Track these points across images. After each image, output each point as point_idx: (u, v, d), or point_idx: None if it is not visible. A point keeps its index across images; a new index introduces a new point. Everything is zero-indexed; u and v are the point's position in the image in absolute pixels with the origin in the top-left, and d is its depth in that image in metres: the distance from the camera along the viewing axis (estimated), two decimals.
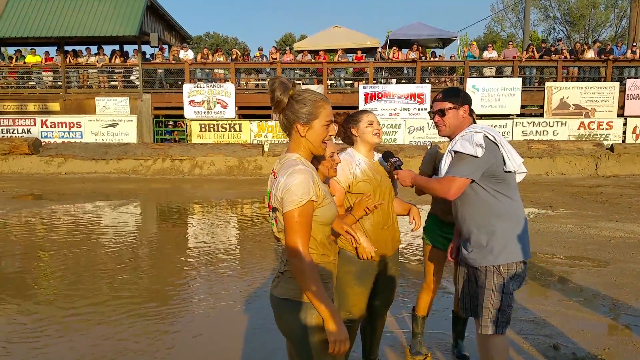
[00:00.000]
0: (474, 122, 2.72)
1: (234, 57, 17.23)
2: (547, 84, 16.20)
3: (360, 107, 15.72)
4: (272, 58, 16.90)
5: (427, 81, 16.72)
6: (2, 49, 19.73)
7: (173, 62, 17.25)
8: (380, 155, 2.99)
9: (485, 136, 2.48)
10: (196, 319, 4.19)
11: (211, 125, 16.31)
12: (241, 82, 17.22)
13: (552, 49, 17.48)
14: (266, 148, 15.02)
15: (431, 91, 16.00)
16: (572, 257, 5.85)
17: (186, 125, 16.55)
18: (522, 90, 16.07)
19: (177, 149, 14.77)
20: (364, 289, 2.81)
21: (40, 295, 4.84)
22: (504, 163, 2.50)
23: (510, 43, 18.51)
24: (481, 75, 16.95)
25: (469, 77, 16.31)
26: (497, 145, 2.49)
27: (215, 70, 17.49)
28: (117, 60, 17.52)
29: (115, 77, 17.45)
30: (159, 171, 14.10)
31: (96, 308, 4.46)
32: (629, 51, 16.63)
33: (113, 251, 6.48)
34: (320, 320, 1.87)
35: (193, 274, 5.49)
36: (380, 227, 2.81)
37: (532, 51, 16.99)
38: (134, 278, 5.32)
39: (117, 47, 19.33)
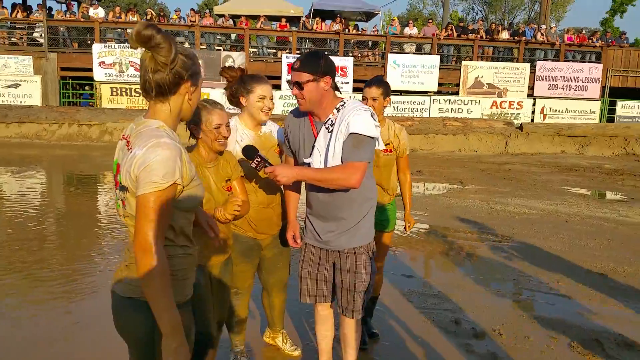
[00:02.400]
0: (338, 92, 2.43)
1: (149, 17, 16.26)
2: (463, 62, 16.79)
3: (284, 78, 15.50)
4: (191, 21, 16.14)
5: (350, 54, 16.75)
6: None
7: (82, 19, 15.99)
8: (274, 124, 2.85)
9: (372, 114, 2.32)
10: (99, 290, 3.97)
11: (123, 90, 15.37)
12: None
13: (470, 27, 18.09)
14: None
15: (354, 64, 16.05)
16: (478, 232, 6.17)
17: (95, 88, 15.50)
18: (440, 68, 16.55)
19: (85, 114, 13.84)
20: (249, 265, 2.81)
21: None
22: (378, 142, 2.40)
23: (430, 21, 18.93)
24: (402, 51, 17.24)
25: (390, 52, 16.53)
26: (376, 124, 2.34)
27: (129, 31, 16.41)
28: (19, 15, 15.95)
29: (16, 34, 15.90)
30: (65, 136, 13.17)
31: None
32: (539, 33, 17.57)
33: (15, 219, 5.97)
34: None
35: (99, 244, 5.19)
36: (265, 206, 2.74)
37: (451, 30, 17.49)
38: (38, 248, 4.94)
39: (19, 1, 17.58)
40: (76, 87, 16.63)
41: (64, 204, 7.41)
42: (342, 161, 2.28)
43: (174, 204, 1.55)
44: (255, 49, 16.85)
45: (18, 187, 8.11)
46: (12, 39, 15.91)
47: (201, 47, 15.92)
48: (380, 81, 3.14)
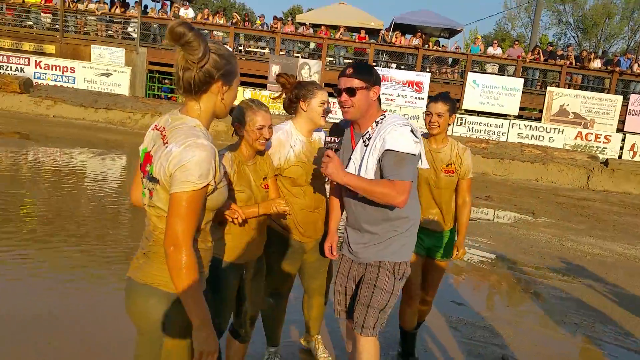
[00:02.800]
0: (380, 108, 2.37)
1: (234, 21, 16.86)
2: (549, 88, 16.04)
3: None
4: (273, 27, 16.56)
5: (428, 70, 16.51)
6: None
7: (172, 18, 16.84)
8: (323, 132, 2.82)
9: (413, 130, 2.23)
10: None
11: None
12: (239, 48, 16.90)
13: (559, 53, 17.28)
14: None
15: (430, 81, 15.79)
16: (543, 268, 5.81)
17: None
18: (523, 92, 15.91)
19: (166, 106, 14.52)
20: (291, 267, 2.81)
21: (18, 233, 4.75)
22: (420, 159, 2.33)
23: (516, 42, 18.26)
24: (483, 71, 16.75)
25: (471, 71, 16.12)
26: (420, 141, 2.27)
27: (214, 33, 17.12)
28: (117, 11, 17.09)
29: (113, 27, 17.05)
30: (146, 126, 13.84)
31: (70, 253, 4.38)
32: (636, 64, 16.45)
33: (93, 199, 6.37)
34: (185, 317, 1.57)
35: None
36: (311, 210, 2.74)
37: (538, 53, 16.78)
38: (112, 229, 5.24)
39: None
40: (162, 81, 17.53)
41: None
42: (381, 178, 2.22)
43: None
44: (332, 58, 17.02)
45: (99, 168, 8.63)
46: (109, 32, 17.05)
47: (280, 52, 16.30)
48: (447, 97, 3.05)
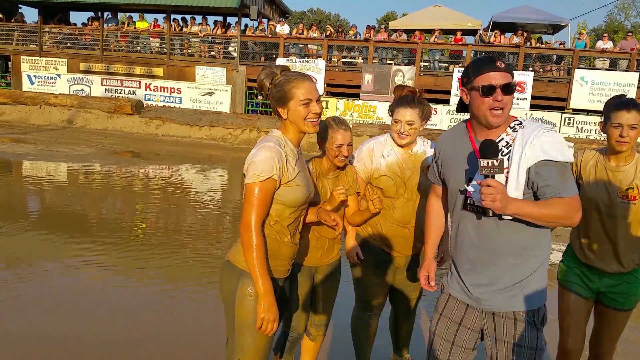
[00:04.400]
0: None
1: (327, 33, 17.15)
2: None
3: (453, 92, 15.07)
4: (366, 36, 16.61)
5: (530, 69, 15.60)
6: (119, 15, 21.16)
7: (269, 35, 17.53)
8: (431, 144, 2.66)
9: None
10: None
11: None
12: (332, 59, 17.14)
13: None
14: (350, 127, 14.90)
15: (534, 80, 14.91)
16: None
17: None
18: (638, 87, 14.50)
19: (264, 121, 15.10)
20: (381, 280, 2.74)
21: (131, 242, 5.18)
22: None
23: (630, 34, 16.70)
24: (592, 66, 15.50)
25: (578, 68, 14.99)
26: None
27: (309, 46, 17.53)
28: (219, 31, 18.11)
29: (215, 48, 18.08)
30: (246, 141, 14.51)
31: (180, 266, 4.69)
32: None
33: (199, 212, 6.78)
34: (252, 293, 1.90)
35: None
36: (401, 225, 2.65)
37: None
38: (214, 242, 5.53)
39: (220, 19, 19.99)
40: (257, 97, 18.27)
41: (238, 201, 8.14)
42: (534, 195, 1.84)
43: (275, 196, 1.94)
44: (426, 63, 16.69)
45: (202, 183, 9.16)
46: (211, 53, 18.11)
47: (374, 61, 16.29)
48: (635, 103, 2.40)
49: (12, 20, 19.71)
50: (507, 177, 1.82)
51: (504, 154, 1.85)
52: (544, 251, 1.90)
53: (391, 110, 2.64)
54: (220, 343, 3.25)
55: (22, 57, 18.57)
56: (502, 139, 1.87)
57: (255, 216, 1.87)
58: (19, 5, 20.48)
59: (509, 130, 1.88)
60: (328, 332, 2.95)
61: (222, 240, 5.79)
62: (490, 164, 1.72)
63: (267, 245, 1.95)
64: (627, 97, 2.47)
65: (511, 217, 1.80)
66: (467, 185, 1.89)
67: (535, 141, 1.79)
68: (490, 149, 1.75)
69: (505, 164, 1.82)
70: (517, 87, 13.43)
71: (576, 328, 2.51)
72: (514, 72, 13.54)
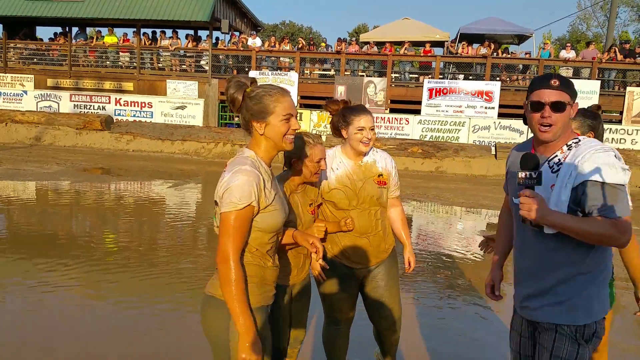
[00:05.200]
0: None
1: (299, 46, 17.26)
2: (628, 88, 15.04)
3: (424, 103, 15.32)
4: (338, 49, 16.78)
5: (497, 79, 15.99)
6: (87, 29, 20.86)
7: (241, 49, 17.53)
8: (381, 154, 2.76)
9: (617, 156, 1.84)
10: None
11: None
12: (305, 72, 17.24)
13: (638, 51, 16.18)
14: (324, 138, 14.97)
15: (501, 89, 15.28)
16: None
17: None
18: (600, 94, 15.00)
19: (238, 134, 15.03)
20: (345, 295, 2.73)
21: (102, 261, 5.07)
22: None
23: (593, 43, 17.30)
24: None
25: None
26: None
27: (281, 59, 17.59)
28: (190, 45, 18.03)
29: (186, 61, 17.99)
30: (219, 154, 14.42)
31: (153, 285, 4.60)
32: None
33: (170, 228, 6.68)
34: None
35: None
36: (358, 236, 2.65)
37: (614, 52, 15.81)
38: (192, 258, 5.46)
39: (191, 32, 19.91)
40: (232, 110, 18.19)
41: (212, 215, 8.08)
42: (577, 211, 1.84)
43: (253, 223, 1.82)
44: (397, 75, 16.93)
45: (175, 198, 9.05)
46: (183, 66, 18.01)
47: (346, 73, 16.45)
48: None
49: None
50: (552, 192, 1.86)
51: (554, 171, 1.87)
52: (595, 269, 1.90)
53: (344, 121, 2.62)
54: None
55: None
56: (556, 155, 1.90)
57: (233, 247, 1.74)
58: None
59: (564, 148, 1.90)
60: (305, 348, 2.94)
61: (198, 256, 5.72)
62: (527, 176, 1.80)
63: (252, 272, 1.85)
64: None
65: (554, 232, 1.84)
66: (515, 198, 1.94)
67: (585, 161, 1.80)
68: (529, 162, 1.82)
69: (553, 181, 1.85)
70: (485, 97, 13.67)
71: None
72: (482, 81, 13.83)
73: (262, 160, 1.89)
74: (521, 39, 19.53)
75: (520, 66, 16.85)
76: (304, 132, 2.50)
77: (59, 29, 19.71)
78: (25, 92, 17.83)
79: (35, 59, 18.60)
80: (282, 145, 1.89)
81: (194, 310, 4.07)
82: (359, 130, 2.60)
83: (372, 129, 2.63)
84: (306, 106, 16.64)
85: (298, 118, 16.33)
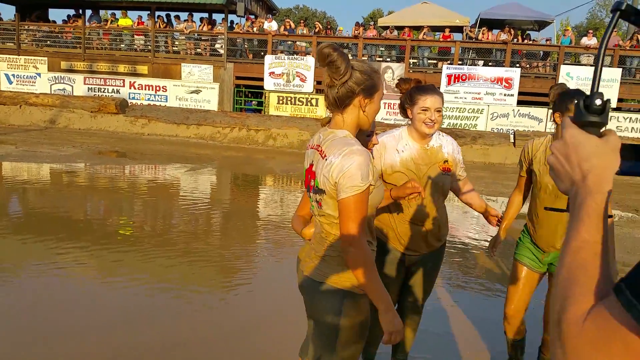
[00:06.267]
0: None
1: (316, 30, 17.01)
2: None
3: (442, 89, 15.05)
4: (355, 33, 16.51)
5: (517, 65, 15.67)
6: (101, 12, 20.72)
7: (257, 32, 17.32)
8: (447, 138, 2.63)
9: None
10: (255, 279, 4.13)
11: (289, 98, 16.28)
12: None
13: None
14: None
15: (521, 76, 14.98)
16: None
17: (264, 97, 16.65)
18: (621, 83, 14.66)
19: (253, 120, 14.91)
20: (394, 279, 2.64)
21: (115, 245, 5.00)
22: None
23: (615, 30, 16.87)
24: (578, 62, 15.64)
25: (564, 64, 15.10)
26: None
27: (298, 43, 17.36)
28: (205, 28, 17.83)
29: (201, 45, 17.81)
30: (235, 139, 14.31)
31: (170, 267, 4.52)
32: None
33: (187, 212, 6.60)
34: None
35: (259, 242, 5.46)
36: (416, 224, 2.55)
37: (636, 40, 15.41)
38: (205, 242, 5.37)
39: (206, 15, 19.70)
40: (248, 95, 18.04)
41: (229, 200, 7.97)
42: None
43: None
44: (415, 60, 16.66)
45: (192, 182, 8.96)
46: (198, 50, 17.84)
47: (363, 58, 16.20)
48: None
49: None
50: None
51: None
52: None
53: (410, 101, 2.51)
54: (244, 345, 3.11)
55: None
56: None
57: (359, 229, 1.67)
58: None
59: None
60: None
61: (215, 238, 5.63)
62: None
63: None
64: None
65: None
66: None
67: None
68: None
69: None
70: (505, 84, 13.42)
71: (519, 295, 2.78)
72: (502, 68, 13.51)
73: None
74: (541, 25, 19.12)
75: (541, 53, 16.50)
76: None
77: (72, 11, 19.61)
78: (39, 74, 17.78)
79: (48, 41, 18.51)
80: (370, 126, 1.85)
81: (201, 291, 3.97)
82: (422, 110, 2.47)
83: (439, 111, 2.50)
84: (322, 92, 16.39)
85: (313, 103, 16.16)
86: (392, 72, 15.38)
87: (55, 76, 17.66)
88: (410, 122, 2.58)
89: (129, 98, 17.10)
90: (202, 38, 17.82)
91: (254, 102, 17.73)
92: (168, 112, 15.55)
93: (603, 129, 0.78)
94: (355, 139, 1.76)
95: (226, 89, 16.93)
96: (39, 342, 3.13)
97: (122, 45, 18.46)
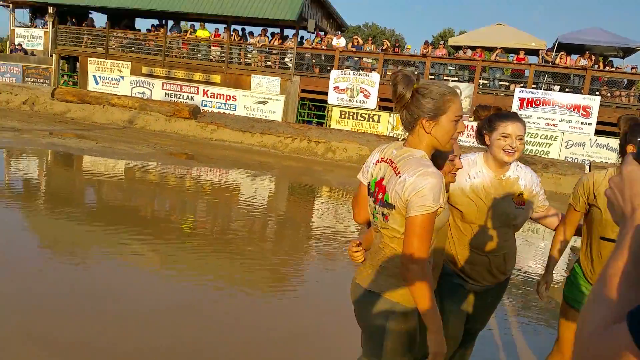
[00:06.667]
0: None
1: (384, 47, 17.00)
2: None
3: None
4: (423, 52, 16.34)
5: (597, 93, 14.86)
6: (182, 23, 21.83)
7: (325, 48, 17.56)
8: (527, 170, 2.46)
9: None
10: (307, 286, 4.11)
11: (351, 113, 16.32)
12: (387, 74, 16.95)
13: None
14: (400, 142, 14.59)
15: (600, 105, 14.18)
16: None
17: (327, 111, 16.78)
18: None
19: (315, 132, 15.05)
20: (454, 307, 2.43)
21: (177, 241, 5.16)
22: None
23: None
24: None
25: None
26: None
27: (364, 60, 17.41)
28: (276, 43, 18.32)
29: (271, 58, 18.29)
30: (295, 150, 14.48)
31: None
32: None
33: (244, 216, 6.72)
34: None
35: (311, 252, 5.45)
36: (481, 252, 2.38)
37: None
38: (258, 247, 5.44)
39: (278, 30, 20.26)
40: (311, 108, 18.27)
41: (285, 208, 8.05)
42: None
43: None
44: (485, 81, 16.23)
45: (252, 188, 9.14)
46: (267, 63, 18.33)
47: (430, 77, 15.99)
48: None
49: (83, 25, 20.69)
50: None
51: None
52: None
53: (490, 127, 2.38)
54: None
55: (89, 58, 19.43)
56: None
57: (423, 248, 1.71)
58: (90, 11, 21.48)
59: None
60: None
61: (268, 243, 5.68)
62: None
63: None
64: None
65: None
66: None
67: None
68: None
69: None
70: (582, 112, 12.67)
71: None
72: (580, 95, 12.83)
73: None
74: (627, 52, 18.06)
75: (625, 81, 15.57)
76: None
77: (155, 21, 20.79)
78: (122, 77, 18.93)
79: (133, 48, 19.69)
80: (446, 146, 1.83)
81: (248, 292, 3.98)
82: (503, 137, 2.32)
83: (521, 139, 2.34)
84: (385, 109, 16.36)
85: (375, 120, 16.10)
86: (460, 92, 15.05)
87: (136, 80, 18.74)
88: (487, 149, 2.45)
89: (202, 105, 17.79)
90: (273, 52, 18.30)
91: (313, 121, 17.94)
92: (236, 120, 16.02)
93: None
94: (429, 160, 1.80)
95: (291, 101, 17.23)
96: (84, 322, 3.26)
97: (198, 55, 19.29)
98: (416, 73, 1.85)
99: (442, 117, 1.76)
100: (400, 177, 1.76)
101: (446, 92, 1.78)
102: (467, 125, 14.61)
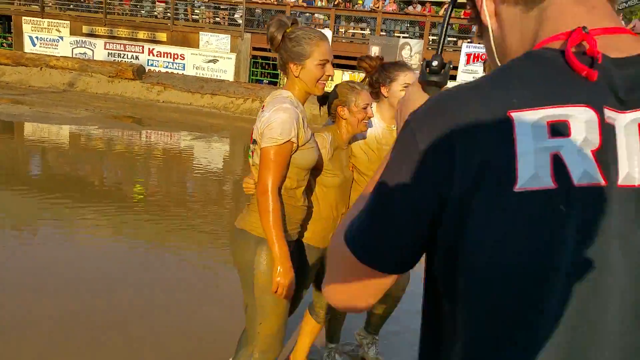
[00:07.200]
0: None
1: (335, 3, 16.73)
2: None
3: (460, 68, 14.73)
4: (374, 7, 16.19)
5: None
6: None
7: (275, 3, 17.11)
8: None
9: None
10: None
11: None
12: (340, 30, 16.75)
13: None
14: None
15: None
16: None
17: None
18: None
19: (267, 92, 14.81)
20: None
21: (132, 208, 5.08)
22: None
23: None
24: None
25: None
26: None
27: (316, 16, 17.11)
28: None
29: (220, 14, 17.69)
30: (247, 111, 14.30)
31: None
32: None
33: (191, 179, 6.66)
34: (269, 256, 1.87)
35: None
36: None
37: None
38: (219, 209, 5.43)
39: None
40: (265, 67, 17.92)
41: (241, 172, 8.01)
42: None
43: (291, 160, 1.87)
44: (435, 37, 16.28)
45: (203, 151, 9.01)
46: (216, 19, 17.72)
47: (381, 33, 15.91)
48: None
49: None
50: None
51: None
52: None
53: (388, 77, 2.35)
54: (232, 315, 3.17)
55: (23, 17, 18.23)
56: None
57: (272, 180, 1.81)
58: None
59: None
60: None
61: (224, 207, 5.67)
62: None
63: (284, 211, 1.92)
64: None
65: None
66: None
67: None
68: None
69: None
70: None
71: None
72: None
73: (299, 101, 1.94)
74: None
75: None
76: (348, 81, 2.35)
77: None
78: (61, 37, 17.92)
79: (71, 5, 18.59)
80: (314, 90, 1.92)
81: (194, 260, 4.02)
82: (405, 87, 2.32)
83: None
84: (338, 66, 16.22)
85: (330, 79, 16.10)
86: (410, 48, 15.10)
87: (77, 40, 17.78)
88: (380, 101, 2.43)
89: (148, 65, 17.14)
90: (221, 7, 17.68)
91: (265, 81, 17.63)
92: (184, 81, 15.58)
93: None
94: (294, 100, 1.89)
95: (243, 59, 16.85)
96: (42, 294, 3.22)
97: (142, 12, 18.44)
98: (294, 18, 1.93)
99: (307, 60, 1.86)
100: (262, 113, 1.88)
101: (311, 36, 1.86)
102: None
